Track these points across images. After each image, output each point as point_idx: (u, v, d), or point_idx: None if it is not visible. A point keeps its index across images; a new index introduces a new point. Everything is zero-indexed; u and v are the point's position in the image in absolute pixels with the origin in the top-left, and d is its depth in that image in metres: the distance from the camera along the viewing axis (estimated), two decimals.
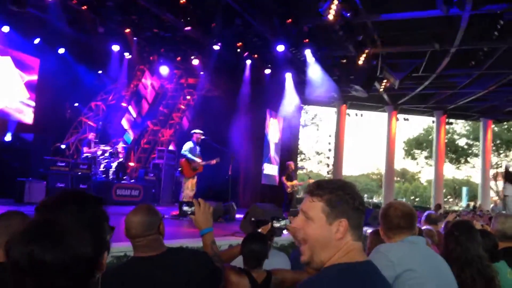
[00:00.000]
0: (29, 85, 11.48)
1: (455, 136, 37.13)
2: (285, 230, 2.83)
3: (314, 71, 13.29)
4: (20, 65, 11.31)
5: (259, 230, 3.08)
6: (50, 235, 0.98)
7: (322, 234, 1.40)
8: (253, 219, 5.36)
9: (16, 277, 0.97)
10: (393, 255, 2.18)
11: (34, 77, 11.61)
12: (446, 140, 23.40)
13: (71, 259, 0.97)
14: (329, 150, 22.87)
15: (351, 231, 1.40)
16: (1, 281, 1.64)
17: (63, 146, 11.45)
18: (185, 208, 2.44)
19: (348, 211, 1.40)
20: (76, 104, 12.17)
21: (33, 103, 11.54)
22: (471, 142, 36.08)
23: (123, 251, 3.80)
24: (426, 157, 39.36)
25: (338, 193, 1.41)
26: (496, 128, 30.68)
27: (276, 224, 2.75)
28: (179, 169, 9.14)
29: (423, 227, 4.17)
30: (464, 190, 24.88)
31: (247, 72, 13.67)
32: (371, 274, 1.38)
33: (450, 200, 42.13)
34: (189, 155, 8.86)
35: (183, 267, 2.19)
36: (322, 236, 1.40)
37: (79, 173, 10.09)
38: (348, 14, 10.26)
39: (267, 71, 13.88)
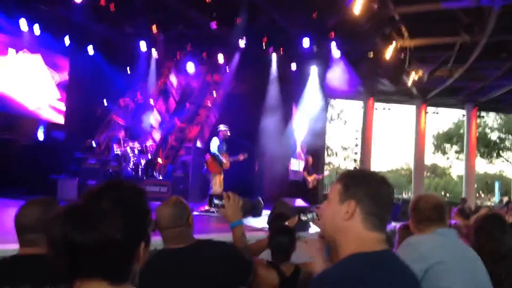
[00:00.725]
0: (60, 85, 11.77)
1: (487, 130, 36.19)
2: (312, 223, 2.81)
3: (340, 65, 13.16)
4: (51, 65, 11.60)
5: (286, 224, 3.09)
6: (84, 218, 1.02)
7: (332, 212, 1.45)
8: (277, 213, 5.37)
9: (54, 257, 1.02)
10: (423, 247, 2.16)
11: (65, 77, 11.89)
12: (477, 134, 22.84)
13: (101, 243, 1.00)
14: (356, 145, 22.63)
15: (363, 216, 1.40)
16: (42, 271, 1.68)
17: (93, 144, 11.69)
18: (216, 201, 2.47)
19: (360, 196, 1.41)
20: (105, 102, 12.40)
21: (64, 103, 11.83)
22: (504, 136, 35.11)
23: (153, 245, 3.85)
24: (456, 152, 38.52)
25: (357, 179, 1.46)
26: None
27: (303, 218, 2.75)
28: (205, 166, 9.22)
29: (452, 222, 4.09)
30: (497, 184, 24.20)
31: (273, 67, 13.65)
32: (388, 264, 1.37)
33: (482, 195, 41.15)
34: (217, 154, 8.92)
35: (212, 259, 2.22)
36: (332, 215, 1.45)
37: (110, 170, 10.29)
38: (375, 7, 10.13)
39: (293, 66, 13.82)
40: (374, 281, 1.27)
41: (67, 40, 11.34)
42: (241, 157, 9.27)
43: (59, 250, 1.00)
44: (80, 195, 1.09)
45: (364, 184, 1.43)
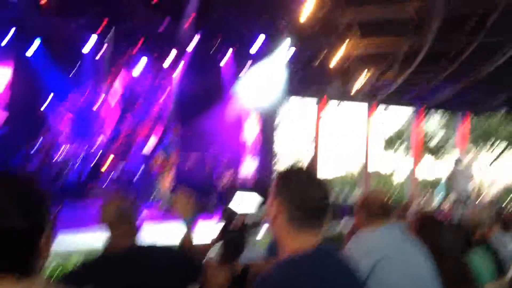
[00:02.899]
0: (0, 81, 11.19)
1: (431, 132, 37.57)
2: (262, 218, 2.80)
3: (292, 67, 13.30)
4: None
5: (234, 222, 3.08)
6: None
7: (268, 210, 1.51)
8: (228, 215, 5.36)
9: None
10: (370, 243, 2.19)
11: (8, 72, 11.31)
12: (423, 136, 23.64)
13: (2, 235, 0.95)
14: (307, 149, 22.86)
15: (287, 215, 1.43)
16: None
17: (35, 147, 11.12)
18: (168, 198, 2.41)
19: (285, 196, 1.44)
20: (47, 104, 11.82)
21: (4, 100, 11.25)
22: (448, 137, 36.59)
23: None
24: (403, 152, 39.75)
25: (285, 178, 1.49)
26: (473, 122, 31.07)
27: (250, 218, 2.73)
28: (153, 160, 9.10)
29: None
30: (438, 188, 25.22)
31: (227, 66, 13.61)
32: (323, 259, 1.40)
33: (424, 199, 42.59)
34: (166, 151, 8.83)
35: (158, 262, 2.15)
36: (267, 213, 1.51)
37: (53, 173, 9.90)
38: (324, 11, 10.33)
39: (247, 66, 13.84)
40: (307, 283, 1.30)
41: (10, 33, 10.76)
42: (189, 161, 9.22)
43: None
44: None
45: (290, 184, 1.45)
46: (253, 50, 12.50)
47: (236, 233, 2.84)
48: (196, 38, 11.70)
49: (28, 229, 0.99)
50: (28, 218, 0.99)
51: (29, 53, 11.26)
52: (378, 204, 2.43)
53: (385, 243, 2.19)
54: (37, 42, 11.30)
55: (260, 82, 14.25)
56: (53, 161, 10.35)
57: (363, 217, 2.47)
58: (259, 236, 5.74)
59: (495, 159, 33.16)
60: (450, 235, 2.70)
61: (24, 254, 0.99)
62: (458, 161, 10.84)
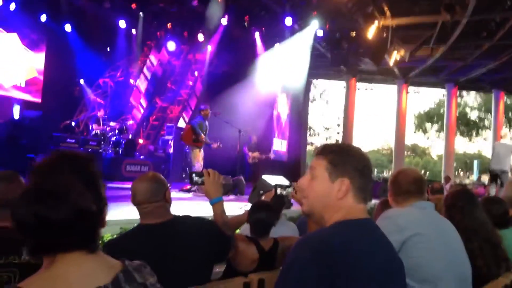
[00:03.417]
0: (36, 63, 11.50)
1: (467, 109, 36.67)
2: (290, 197, 2.79)
3: (323, 45, 13.08)
4: (27, 43, 11.30)
5: (263, 198, 3.09)
6: (53, 193, 1.00)
7: (324, 191, 1.42)
8: (261, 192, 5.36)
9: (24, 238, 1.01)
10: (401, 219, 2.17)
11: (42, 55, 11.61)
12: (457, 113, 23.09)
13: (75, 216, 1.00)
14: (338, 125, 22.71)
15: (353, 191, 1.41)
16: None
17: (72, 124, 11.50)
18: (196, 178, 2.43)
19: (350, 171, 1.41)
20: (82, 81, 12.16)
21: (41, 81, 11.58)
22: (483, 115, 35.65)
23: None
24: (437, 131, 39.04)
25: (342, 153, 1.44)
26: (508, 101, 30.20)
27: (282, 192, 2.73)
28: (184, 138, 9.13)
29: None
30: (475, 163, 24.63)
31: (255, 46, 13.51)
32: (370, 230, 1.40)
33: (461, 174, 41.82)
34: (197, 128, 8.85)
35: (190, 234, 2.19)
36: (324, 194, 1.42)
37: (89, 150, 10.16)
38: None
39: (275, 45, 13.71)
40: (358, 244, 1.29)
41: (43, 18, 11.04)
42: (215, 146, 9.20)
43: (31, 231, 0.99)
44: (32, 172, 1.07)
45: (351, 160, 1.42)
46: (282, 30, 12.34)
47: (264, 209, 2.85)
48: (225, 18, 11.62)
49: (97, 207, 1.06)
50: (96, 197, 1.06)
51: (62, 36, 11.49)
52: (410, 181, 2.38)
53: (417, 220, 2.16)
54: (68, 26, 11.53)
55: (289, 62, 14.14)
56: (89, 138, 10.63)
57: (394, 194, 2.44)
58: (289, 212, 5.77)
59: None
60: (482, 212, 2.65)
61: (92, 231, 1.07)
62: (497, 137, 10.50)
